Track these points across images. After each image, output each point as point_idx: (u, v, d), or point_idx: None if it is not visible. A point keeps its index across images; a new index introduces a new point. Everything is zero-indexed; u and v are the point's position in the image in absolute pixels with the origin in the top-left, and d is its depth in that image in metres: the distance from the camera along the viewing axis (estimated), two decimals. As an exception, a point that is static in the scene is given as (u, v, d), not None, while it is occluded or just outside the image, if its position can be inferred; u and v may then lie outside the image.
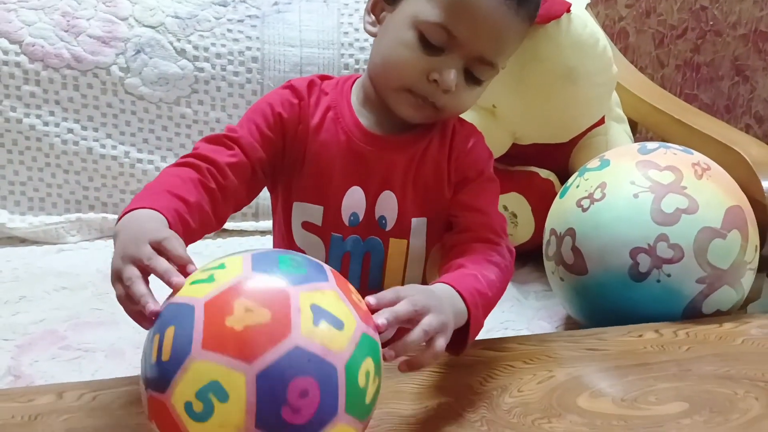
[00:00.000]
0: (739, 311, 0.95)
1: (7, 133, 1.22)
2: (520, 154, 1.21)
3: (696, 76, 1.93)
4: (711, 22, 1.88)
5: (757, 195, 0.98)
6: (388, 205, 0.78)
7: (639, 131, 1.42)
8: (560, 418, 0.67)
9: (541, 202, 1.11)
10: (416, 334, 0.57)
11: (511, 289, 1.14)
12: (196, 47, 1.28)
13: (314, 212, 0.78)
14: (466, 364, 0.73)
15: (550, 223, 0.99)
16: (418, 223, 0.79)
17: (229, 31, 1.31)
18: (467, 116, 1.12)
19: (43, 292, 1.05)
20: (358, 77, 0.81)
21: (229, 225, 1.29)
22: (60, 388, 0.67)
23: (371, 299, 0.56)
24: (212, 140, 0.72)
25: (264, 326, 0.47)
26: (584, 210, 0.91)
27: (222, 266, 0.51)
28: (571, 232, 0.92)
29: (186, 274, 0.53)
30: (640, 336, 0.83)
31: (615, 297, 0.89)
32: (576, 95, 1.09)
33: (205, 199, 0.67)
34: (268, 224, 1.29)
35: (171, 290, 0.52)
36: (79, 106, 1.25)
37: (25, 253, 1.18)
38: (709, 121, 1.19)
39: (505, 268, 0.74)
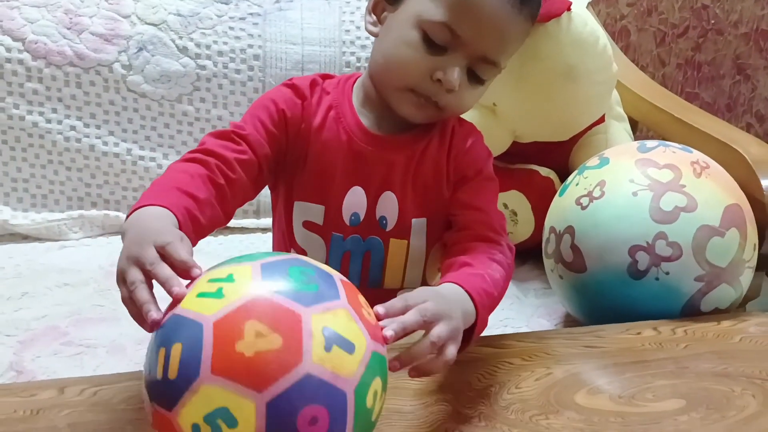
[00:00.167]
0: (737, 309, 0.95)
1: (10, 130, 1.23)
2: (520, 152, 1.21)
3: (697, 75, 1.93)
4: (712, 21, 1.88)
5: (756, 193, 0.99)
6: (388, 205, 0.78)
7: (640, 129, 1.43)
8: (558, 415, 0.67)
9: (541, 200, 1.12)
10: (424, 345, 0.57)
11: (510, 287, 1.14)
12: (198, 45, 1.29)
13: (315, 211, 0.78)
14: (465, 360, 0.73)
15: (549, 221, 0.99)
16: (418, 224, 0.79)
17: (231, 28, 1.31)
18: (467, 115, 1.13)
19: (46, 289, 1.05)
20: (359, 76, 0.81)
21: (230, 222, 1.30)
22: (61, 383, 0.67)
23: (380, 309, 0.55)
24: (220, 135, 0.72)
25: (275, 353, 0.46)
26: (583, 208, 0.91)
27: (230, 278, 0.49)
28: (570, 230, 0.92)
29: (190, 278, 0.52)
30: (639, 333, 0.83)
31: (614, 295, 0.89)
32: (576, 93, 1.09)
33: (214, 195, 0.67)
34: (269, 222, 1.29)
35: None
36: (82, 104, 1.25)
37: (28, 250, 1.19)
38: (709, 120, 1.19)
39: (508, 267, 0.74)
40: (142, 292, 0.52)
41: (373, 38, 0.79)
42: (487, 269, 0.70)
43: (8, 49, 1.21)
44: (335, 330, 0.48)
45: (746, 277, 0.92)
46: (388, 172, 0.77)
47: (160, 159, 1.30)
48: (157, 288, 0.53)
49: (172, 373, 0.47)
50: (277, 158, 0.76)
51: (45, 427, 0.61)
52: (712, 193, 0.89)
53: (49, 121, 1.24)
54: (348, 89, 0.79)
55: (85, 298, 1.03)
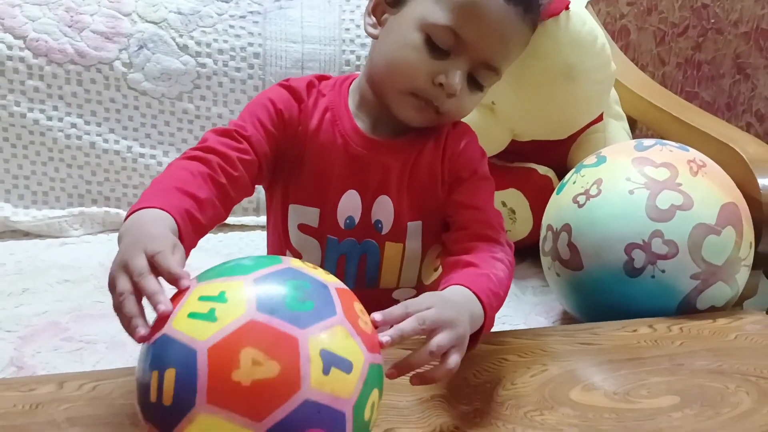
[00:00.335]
0: (733, 307, 0.96)
1: (11, 127, 1.23)
2: (518, 151, 1.22)
3: (697, 74, 1.93)
4: (712, 20, 1.88)
5: (753, 192, 0.99)
6: (384, 209, 0.78)
7: (639, 128, 1.43)
8: (552, 411, 0.68)
9: (540, 198, 1.12)
10: (422, 354, 0.56)
11: (508, 285, 1.15)
12: (198, 43, 1.30)
13: (311, 214, 0.78)
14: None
15: (546, 218, 1.00)
16: (413, 227, 0.79)
17: (231, 27, 1.32)
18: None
19: (46, 285, 1.06)
20: (355, 77, 0.81)
21: (230, 220, 1.30)
22: (61, 378, 0.67)
23: (377, 316, 0.54)
24: (222, 133, 0.71)
25: (273, 381, 0.45)
26: (580, 206, 0.92)
27: (222, 297, 0.47)
28: (567, 227, 0.93)
29: (179, 288, 0.50)
30: (635, 331, 0.84)
31: (610, 292, 0.90)
32: (574, 92, 1.09)
33: (215, 194, 0.66)
34: (268, 219, 1.30)
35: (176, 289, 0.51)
36: (83, 101, 1.26)
37: (29, 247, 1.20)
38: (707, 119, 1.19)
39: (510, 264, 0.74)
40: (129, 305, 0.50)
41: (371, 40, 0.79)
42: (491, 269, 0.70)
43: (9, 47, 1.22)
44: (333, 351, 0.47)
45: (742, 276, 0.92)
46: (384, 176, 0.77)
47: (160, 156, 1.30)
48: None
49: (167, 399, 0.46)
50: (275, 158, 0.76)
51: (44, 422, 0.61)
52: (709, 191, 0.89)
53: (50, 118, 1.24)
54: (344, 91, 0.79)
55: (86, 295, 1.03)
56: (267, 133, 0.74)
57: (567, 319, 1.04)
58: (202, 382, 0.45)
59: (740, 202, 0.92)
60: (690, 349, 0.81)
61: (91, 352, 0.90)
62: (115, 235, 0.59)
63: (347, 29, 1.37)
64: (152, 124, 1.29)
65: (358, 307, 0.52)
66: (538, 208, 1.13)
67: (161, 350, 0.47)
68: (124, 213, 0.98)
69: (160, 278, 0.52)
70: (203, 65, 1.30)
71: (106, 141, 1.27)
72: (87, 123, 1.26)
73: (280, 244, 0.81)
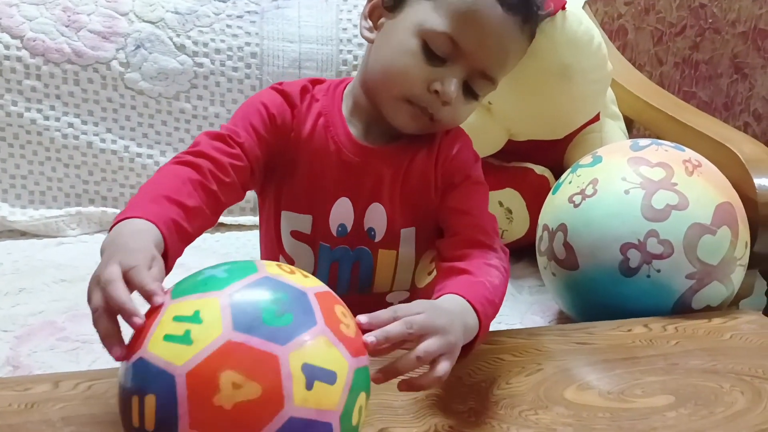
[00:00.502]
0: (729, 307, 0.96)
1: (8, 127, 1.23)
2: (515, 150, 1.22)
3: (695, 74, 1.94)
4: (710, 20, 1.88)
5: (749, 192, 0.99)
6: (376, 217, 0.77)
7: (636, 128, 1.43)
8: (547, 410, 0.68)
9: (536, 198, 1.12)
10: (409, 359, 0.55)
11: (505, 284, 1.15)
12: (195, 42, 1.30)
13: (303, 221, 0.77)
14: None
15: (542, 218, 1.00)
16: (407, 233, 0.79)
17: (229, 26, 1.32)
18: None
19: (43, 285, 1.06)
20: (349, 81, 0.80)
21: (227, 219, 1.31)
22: (56, 377, 0.68)
23: (363, 319, 0.53)
24: (215, 137, 0.70)
25: (255, 402, 0.44)
26: (576, 206, 0.92)
27: (197, 317, 0.46)
28: (563, 227, 0.93)
29: (152, 305, 0.49)
30: (629, 330, 0.84)
31: (605, 292, 0.90)
32: (571, 92, 1.09)
33: (204, 202, 0.65)
34: (266, 219, 1.30)
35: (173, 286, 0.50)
36: (80, 101, 1.26)
37: (26, 246, 1.20)
38: (704, 119, 1.20)
39: (504, 271, 0.73)
40: (102, 322, 0.49)
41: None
42: (486, 276, 0.69)
43: (7, 47, 1.22)
44: (315, 364, 0.46)
45: (738, 275, 0.93)
46: (377, 183, 0.76)
47: (157, 156, 1.30)
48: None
49: (149, 425, 0.45)
50: (267, 163, 0.75)
51: (39, 421, 0.61)
52: (704, 191, 0.89)
53: (47, 118, 1.24)
54: (338, 96, 0.78)
55: (82, 294, 1.01)
56: (259, 137, 0.73)
57: (563, 318, 1.04)
58: (183, 409, 0.44)
59: (736, 202, 0.92)
60: (685, 348, 0.81)
61: (87, 352, 0.90)
62: (113, 234, 0.58)
63: (344, 29, 1.37)
64: (149, 123, 1.29)
65: (340, 310, 0.51)
66: (534, 207, 1.13)
67: (139, 375, 0.46)
68: (121, 213, 0.98)
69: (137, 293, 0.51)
70: (200, 65, 1.30)
71: (103, 141, 1.27)
72: (84, 122, 1.26)
73: (273, 250, 0.80)
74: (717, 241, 0.88)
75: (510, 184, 1.21)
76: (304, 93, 0.76)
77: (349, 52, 1.36)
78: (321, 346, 0.47)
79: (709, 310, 0.91)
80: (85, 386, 0.66)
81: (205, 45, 1.30)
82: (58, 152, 1.26)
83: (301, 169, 0.76)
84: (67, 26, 1.25)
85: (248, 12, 1.34)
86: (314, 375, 0.46)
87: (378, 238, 0.78)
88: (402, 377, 0.57)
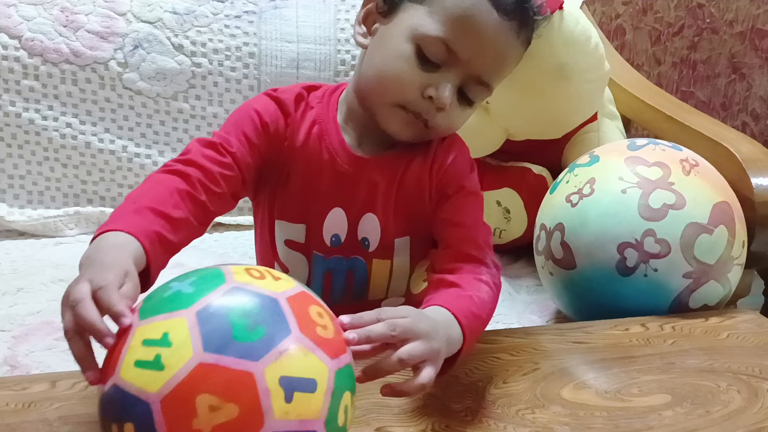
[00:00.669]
0: (726, 306, 0.96)
1: (7, 127, 1.24)
2: (513, 150, 1.22)
3: (692, 74, 1.94)
4: (708, 20, 1.89)
5: (746, 191, 0.99)
6: (370, 227, 0.76)
7: (634, 128, 1.43)
8: (544, 409, 0.68)
9: (534, 197, 1.12)
10: (390, 361, 0.55)
11: (503, 283, 1.14)
12: (193, 43, 1.30)
13: (297, 230, 0.76)
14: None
15: (540, 218, 1.00)
16: (401, 243, 0.78)
17: (227, 26, 1.32)
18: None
19: (41, 284, 1.06)
20: (345, 87, 0.78)
21: (225, 219, 1.31)
22: (53, 377, 0.68)
23: (345, 319, 0.53)
24: (206, 145, 0.69)
25: (234, 423, 0.43)
26: (573, 205, 0.92)
27: (166, 340, 0.44)
28: (560, 227, 0.93)
29: (120, 326, 0.47)
30: (627, 330, 0.84)
31: (603, 291, 0.90)
32: (568, 92, 1.10)
33: (192, 213, 0.64)
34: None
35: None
36: (78, 101, 1.26)
37: (24, 246, 1.20)
38: (701, 118, 1.20)
39: (495, 287, 0.72)
40: (75, 344, 0.48)
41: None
42: (475, 291, 0.68)
43: (5, 47, 1.22)
44: (293, 375, 0.45)
45: (735, 275, 0.93)
46: (370, 194, 0.75)
47: (155, 156, 1.30)
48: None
49: None
50: (259, 172, 0.73)
51: (36, 420, 0.61)
52: (701, 190, 0.89)
53: (45, 118, 1.25)
54: (333, 103, 0.76)
55: None
56: (251, 146, 0.71)
57: (561, 317, 1.04)
58: None
59: (733, 202, 0.93)
60: (682, 347, 0.81)
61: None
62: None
63: (342, 29, 1.37)
64: (147, 123, 1.30)
65: (315, 311, 0.49)
66: (532, 207, 1.13)
67: (116, 402, 0.45)
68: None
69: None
70: (198, 65, 1.30)
71: (101, 141, 1.27)
72: (82, 123, 1.27)
73: (268, 257, 0.79)
74: (714, 240, 0.88)
75: (508, 184, 1.21)
76: (299, 100, 0.75)
77: (347, 52, 1.36)
78: (297, 356, 0.46)
79: (706, 310, 0.91)
80: (82, 386, 0.66)
81: (203, 45, 1.30)
82: (57, 152, 1.26)
83: (295, 178, 0.74)
84: (65, 26, 1.25)
85: (246, 12, 1.34)
86: (293, 386, 0.45)
87: (372, 248, 0.77)
88: (389, 381, 0.56)
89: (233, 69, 1.32)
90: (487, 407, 0.68)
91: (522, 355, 0.77)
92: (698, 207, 0.88)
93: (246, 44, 1.32)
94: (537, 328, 0.94)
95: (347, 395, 0.49)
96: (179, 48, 1.29)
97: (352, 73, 0.80)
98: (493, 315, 1.02)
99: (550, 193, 0.99)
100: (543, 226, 0.98)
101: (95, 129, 1.27)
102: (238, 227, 1.32)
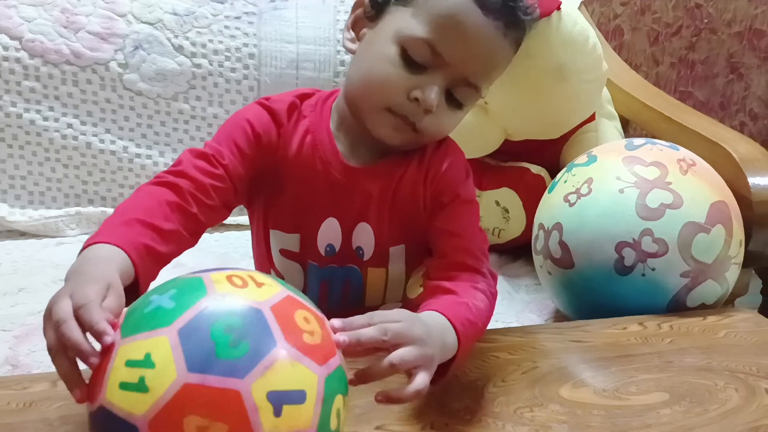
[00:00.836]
0: (723, 305, 0.96)
1: (8, 128, 1.24)
2: (512, 150, 1.22)
3: (691, 74, 1.94)
4: (706, 20, 1.89)
5: (743, 191, 1.00)
6: (364, 236, 0.76)
7: (633, 128, 1.44)
8: (542, 408, 0.68)
9: (533, 197, 1.12)
10: (382, 365, 0.54)
11: (502, 283, 1.16)
12: (193, 43, 1.30)
13: (291, 240, 0.76)
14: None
15: (538, 217, 1.01)
16: (396, 251, 0.77)
17: (227, 27, 1.33)
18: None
19: (42, 284, 1.06)
20: (337, 94, 0.77)
21: (227, 219, 1.30)
22: (54, 376, 0.66)
23: (336, 323, 0.52)
24: (198, 155, 0.68)
25: None
26: (571, 205, 0.93)
27: (149, 361, 0.43)
28: (558, 226, 0.93)
29: (102, 345, 0.46)
30: (625, 328, 0.85)
31: (601, 290, 0.90)
32: (566, 92, 1.10)
33: (182, 224, 0.63)
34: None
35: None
36: (79, 102, 1.27)
37: (25, 246, 1.20)
38: (699, 118, 1.20)
39: (491, 296, 0.71)
40: (60, 363, 0.48)
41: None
42: (471, 298, 0.67)
43: (5, 48, 1.23)
44: (281, 389, 0.44)
45: (732, 274, 0.93)
46: (364, 203, 0.74)
47: (156, 157, 1.31)
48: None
49: None
50: (251, 182, 0.73)
51: (37, 419, 0.61)
52: (698, 190, 0.90)
53: (46, 119, 1.25)
54: (326, 111, 0.75)
55: None
56: (243, 156, 0.70)
57: (559, 316, 1.04)
58: None
59: (730, 201, 0.93)
60: (679, 346, 0.82)
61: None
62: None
63: (342, 30, 1.37)
64: (148, 124, 1.30)
65: (302, 316, 0.48)
66: (531, 207, 1.13)
67: (103, 425, 0.45)
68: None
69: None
70: (198, 66, 1.30)
71: (102, 141, 1.28)
72: (83, 123, 1.27)
73: (264, 264, 0.79)
74: (711, 239, 0.88)
75: (506, 184, 1.21)
76: (292, 110, 0.74)
77: (347, 53, 1.36)
78: (284, 368, 0.45)
79: (703, 309, 0.92)
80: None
81: (203, 46, 1.31)
82: (57, 153, 1.26)
83: (288, 188, 0.74)
84: (65, 27, 1.25)
85: (246, 13, 1.34)
86: (281, 400, 0.44)
87: (366, 257, 0.76)
88: (384, 387, 0.56)
89: (233, 70, 1.32)
90: (486, 406, 0.68)
91: (520, 353, 0.77)
92: (695, 206, 0.88)
93: (246, 45, 1.33)
94: (535, 327, 0.95)
95: (339, 399, 0.48)
96: (179, 49, 1.29)
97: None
98: (492, 315, 1.04)
99: (549, 192, 1.00)
100: (541, 226, 0.98)
101: (96, 130, 1.28)
102: (238, 227, 1.32)
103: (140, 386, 0.43)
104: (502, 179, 1.21)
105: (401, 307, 0.77)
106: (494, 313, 1.03)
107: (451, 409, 0.67)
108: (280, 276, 0.78)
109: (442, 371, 0.61)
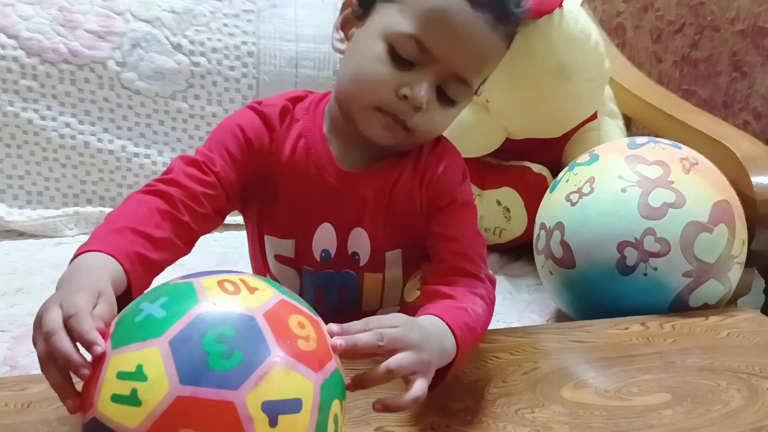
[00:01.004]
0: (726, 305, 0.96)
1: (5, 127, 1.24)
2: (513, 149, 1.22)
3: (693, 72, 1.94)
4: (709, 18, 1.88)
5: (746, 190, 1.00)
6: (359, 241, 0.75)
7: (635, 126, 1.43)
8: (543, 408, 0.68)
9: (534, 196, 1.12)
10: (378, 371, 0.53)
11: (503, 283, 1.16)
12: (192, 42, 1.30)
13: (286, 246, 0.75)
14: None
15: (540, 217, 1.00)
16: (392, 256, 0.76)
17: (225, 25, 1.32)
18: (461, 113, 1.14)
19: (40, 285, 1.06)
20: (330, 96, 0.76)
21: (227, 219, 1.30)
22: (52, 377, 0.67)
23: (334, 327, 0.51)
24: (189, 163, 0.67)
25: None
26: (573, 204, 0.92)
27: (141, 373, 0.43)
28: (560, 226, 0.93)
29: (93, 355, 0.46)
30: (626, 328, 0.84)
31: (602, 290, 0.90)
32: (568, 90, 1.09)
33: (174, 233, 0.63)
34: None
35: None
36: (76, 101, 1.26)
37: (23, 246, 1.20)
38: (701, 117, 1.20)
39: (490, 301, 0.70)
40: (51, 373, 0.47)
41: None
42: (470, 303, 0.67)
43: (3, 47, 1.22)
44: (276, 398, 0.43)
45: (735, 273, 0.92)
46: (359, 208, 0.73)
47: (154, 156, 1.30)
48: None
49: None
50: (244, 188, 0.71)
51: (35, 420, 0.61)
52: (701, 189, 0.89)
53: (43, 118, 1.24)
54: (319, 114, 0.74)
55: None
56: (235, 162, 0.69)
57: (561, 316, 1.04)
58: None
59: (733, 200, 0.92)
60: (682, 346, 0.81)
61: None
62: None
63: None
64: (146, 123, 1.29)
65: (296, 321, 0.47)
66: (532, 206, 1.13)
67: None
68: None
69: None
70: (197, 64, 1.30)
71: (100, 140, 1.27)
72: (81, 122, 1.26)
73: (260, 268, 0.79)
74: (714, 239, 0.88)
75: (508, 183, 1.21)
76: (284, 114, 0.73)
77: (345, 51, 1.36)
78: (279, 377, 0.44)
79: (706, 308, 0.91)
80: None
81: (202, 44, 1.30)
82: (55, 152, 1.26)
83: (282, 193, 0.73)
84: (63, 26, 1.25)
85: (245, 11, 1.34)
86: (276, 410, 0.43)
87: (363, 262, 0.76)
88: (380, 395, 0.55)
89: (232, 68, 1.32)
90: (487, 406, 0.67)
91: (522, 354, 0.77)
92: (698, 205, 0.88)
93: (245, 43, 1.32)
94: (537, 327, 0.94)
95: (336, 404, 0.48)
96: (178, 47, 1.29)
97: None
98: (494, 314, 1.03)
99: (550, 192, 0.99)
100: (543, 225, 0.97)
101: (94, 129, 1.27)
102: (238, 227, 1.30)
103: (133, 399, 0.42)
104: (504, 178, 1.21)
105: (399, 311, 0.78)
106: (495, 313, 1.02)
107: (452, 410, 0.66)
108: (276, 281, 0.77)
109: (440, 376, 0.60)
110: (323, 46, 1.35)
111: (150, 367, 0.43)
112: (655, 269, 0.87)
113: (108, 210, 1.26)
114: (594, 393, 0.71)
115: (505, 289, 1.13)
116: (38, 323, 0.48)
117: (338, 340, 0.50)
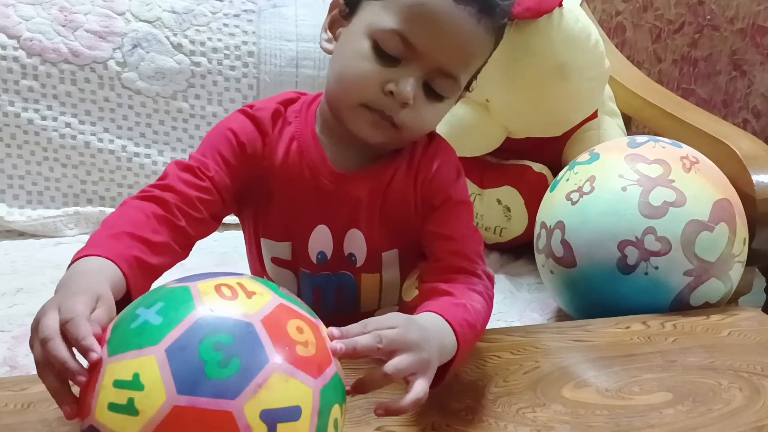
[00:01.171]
0: (727, 304, 0.96)
1: (6, 127, 1.23)
2: (513, 148, 1.22)
3: (693, 71, 1.93)
4: (708, 17, 1.88)
5: (747, 188, 0.99)
6: (355, 243, 0.75)
7: (635, 125, 1.43)
8: (544, 408, 0.68)
9: (535, 195, 1.12)
10: (376, 374, 0.53)
11: (504, 282, 1.16)
12: (192, 42, 1.30)
13: (282, 248, 0.75)
14: (453, 354, 0.74)
15: (540, 216, 1.00)
16: (389, 256, 0.76)
17: (226, 25, 1.32)
18: (461, 111, 1.14)
19: (41, 285, 1.05)
20: (322, 97, 0.75)
21: (226, 218, 1.30)
22: (52, 377, 0.67)
23: (335, 331, 0.51)
24: (184, 168, 0.67)
25: None
26: (573, 203, 0.92)
27: (138, 382, 0.42)
28: (560, 225, 0.93)
29: (89, 361, 0.45)
30: (628, 328, 0.84)
31: (603, 289, 0.90)
32: (568, 89, 1.09)
33: (171, 238, 0.63)
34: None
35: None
36: (77, 101, 1.26)
37: (24, 246, 1.20)
38: (701, 115, 1.20)
39: (489, 298, 0.70)
40: (48, 378, 0.47)
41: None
42: (469, 300, 0.66)
43: (3, 47, 1.22)
44: (274, 407, 0.43)
45: (736, 272, 0.92)
46: (354, 210, 0.73)
47: (155, 156, 1.30)
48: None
49: None
50: (239, 192, 0.72)
51: (35, 421, 0.61)
52: (702, 188, 0.89)
53: (44, 118, 1.24)
54: (311, 116, 0.74)
55: None
56: (229, 167, 0.69)
57: (561, 316, 1.04)
58: None
59: (734, 199, 0.92)
60: (683, 345, 0.81)
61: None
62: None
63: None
64: (147, 123, 1.29)
65: (294, 326, 0.47)
66: (533, 205, 1.13)
67: None
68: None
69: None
70: (197, 64, 1.30)
71: (100, 140, 1.27)
72: (81, 122, 1.26)
73: (258, 270, 0.79)
74: (715, 237, 0.88)
75: (508, 182, 1.21)
76: (276, 117, 0.73)
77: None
78: (277, 385, 0.43)
79: (707, 307, 0.91)
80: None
81: (202, 44, 1.30)
82: (56, 152, 1.26)
83: (277, 197, 0.73)
84: (63, 26, 1.25)
85: (245, 11, 1.34)
86: (275, 418, 0.43)
87: (359, 263, 0.75)
88: (381, 395, 0.55)
89: (232, 68, 1.32)
90: (488, 406, 0.67)
91: (522, 353, 0.77)
92: (699, 204, 0.88)
93: (245, 43, 1.32)
94: (537, 326, 0.94)
95: (335, 409, 0.47)
96: (178, 47, 1.29)
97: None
98: (494, 313, 1.03)
99: (551, 191, 0.99)
100: (543, 224, 0.97)
101: (94, 129, 1.27)
102: (237, 227, 1.29)
103: (129, 408, 0.42)
104: (504, 177, 1.20)
105: (398, 311, 0.78)
106: (496, 312, 1.04)
107: (453, 410, 0.66)
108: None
109: (441, 374, 0.60)
110: (323, 45, 1.35)
111: (146, 375, 0.42)
112: (656, 268, 0.87)
113: (108, 210, 1.26)
114: (595, 392, 0.71)
115: (505, 288, 1.13)
116: (35, 327, 0.48)
117: (338, 344, 0.50)
